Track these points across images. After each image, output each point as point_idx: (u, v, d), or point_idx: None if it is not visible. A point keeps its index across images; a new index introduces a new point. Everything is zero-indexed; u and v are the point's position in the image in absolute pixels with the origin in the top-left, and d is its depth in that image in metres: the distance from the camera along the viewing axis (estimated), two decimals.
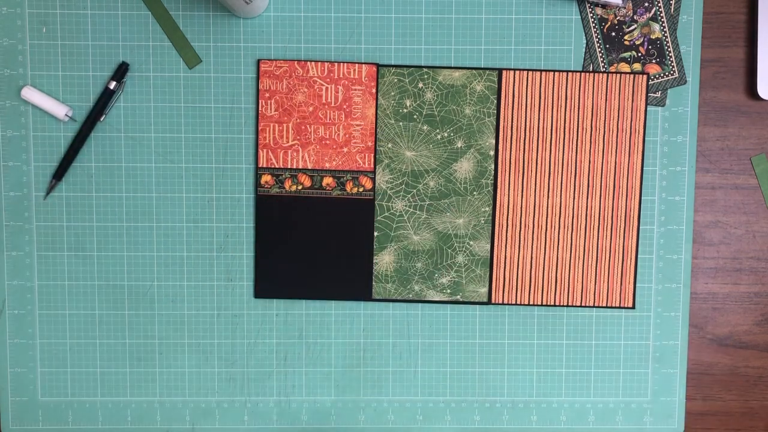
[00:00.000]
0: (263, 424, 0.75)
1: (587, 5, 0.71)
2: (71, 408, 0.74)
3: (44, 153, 0.72)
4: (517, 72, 0.72)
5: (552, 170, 0.72)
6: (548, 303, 0.73)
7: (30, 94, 0.70)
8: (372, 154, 0.72)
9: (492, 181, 0.72)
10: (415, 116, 0.72)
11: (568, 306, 0.73)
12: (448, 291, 0.73)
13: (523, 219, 0.73)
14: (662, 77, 0.72)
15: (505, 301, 0.73)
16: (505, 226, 0.73)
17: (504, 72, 0.72)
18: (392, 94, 0.72)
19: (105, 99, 0.71)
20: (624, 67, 0.72)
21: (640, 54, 0.72)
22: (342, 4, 0.71)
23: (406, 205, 0.73)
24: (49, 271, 0.73)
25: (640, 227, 0.73)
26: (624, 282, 0.73)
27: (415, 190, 0.73)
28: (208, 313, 0.74)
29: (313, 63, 0.71)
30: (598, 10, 0.72)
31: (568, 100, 0.72)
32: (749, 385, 0.76)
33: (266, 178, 0.72)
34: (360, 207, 0.73)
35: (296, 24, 0.71)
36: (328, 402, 0.74)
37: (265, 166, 0.72)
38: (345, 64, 0.71)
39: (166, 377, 0.74)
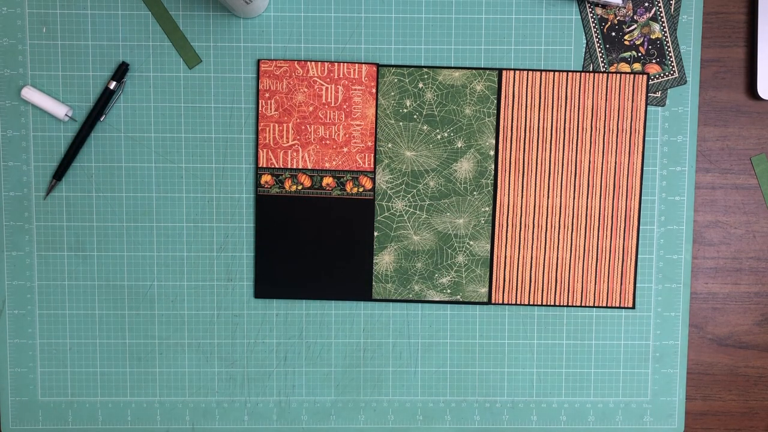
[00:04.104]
0: (263, 424, 0.75)
1: (587, 5, 0.71)
2: (71, 408, 0.74)
3: (44, 153, 0.72)
4: (517, 72, 0.72)
5: (552, 170, 0.72)
6: (548, 303, 0.73)
7: (30, 94, 0.70)
8: (372, 154, 0.72)
9: (492, 181, 0.72)
10: (415, 116, 0.72)
11: (568, 306, 0.73)
12: (448, 291, 0.73)
13: (523, 219, 0.73)
14: (662, 77, 0.72)
15: (505, 301, 0.73)
16: (505, 226, 0.73)
17: (504, 72, 0.72)
18: (392, 94, 0.72)
19: (105, 99, 0.71)
20: (624, 67, 0.72)
21: (640, 54, 0.72)
22: (342, 4, 0.71)
23: (406, 205, 0.73)
24: (49, 271, 0.73)
25: (640, 227, 0.73)
26: (624, 282, 0.73)
27: (415, 190, 0.73)
28: (208, 313, 0.74)
29: (313, 63, 0.71)
30: (598, 10, 0.72)
31: (568, 100, 0.72)
32: (749, 385, 0.76)
33: (266, 178, 0.72)
34: (360, 207, 0.73)
35: (296, 24, 0.71)
36: (328, 402, 0.74)
37: (265, 166, 0.72)
38: (345, 64, 0.71)
39: (166, 377, 0.74)
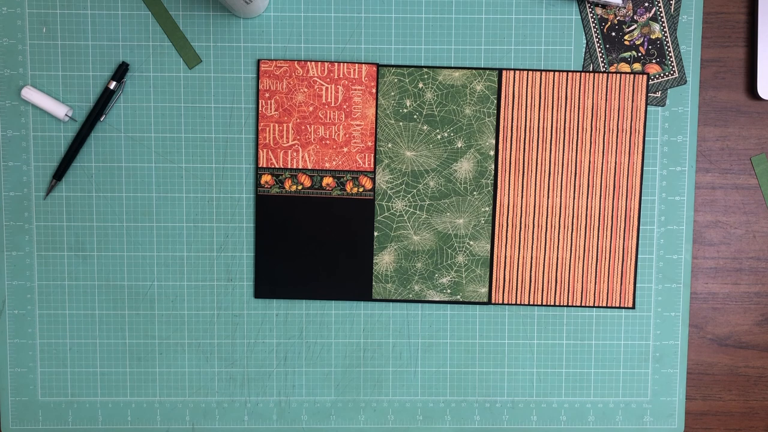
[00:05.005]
0: (263, 424, 0.75)
1: (587, 5, 0.71)
2: (71, 408, 0.74)
3: (44, 153, 0.72)
4: (517, 72, 0.72)
5: (552, 170, 0.72)
6: (548, 303, 0.73)
7: (30, 94, 0.70)
8: (372, 154, 0.72)
9: (492, 181, 0.72)
10: (415, 116, 0.72)
11: (568, 306, 0.73)
12: (448, 291, 0.73)
13: (523, 219, 0.73)
14: (662, 77, 0.72)
15: (505, 301, 0.73)
16: (505, 226, 0.73)
17: (504, 72, 0.72)
18: (392, 94, 0.72)
19: (105, 99, 0.71)
20: (624, 67, 0.72)
21: (640, 54, 0.72)
22: (342, 4, 0.71)
23: (406, 205, 0.73)
24: (49, 271, 0.73)
25: (640, 227, 0.73)
26: (624, 282, 0.73)
27: (415, 190, 0.73)
28: (208, 313, 0.74)
29: (313, 63, 0.71)
30: (598, 10, 0.72)
31: (568, 100, 0.72)
32: (749, 385, 0.76)
33: (266, 178, 0.72)
34: (360, 207, 0.73)
35: (296, 24, 0.71)
36: (328, 402, 0.74)
37: (265, 166, 0.72)
38: (345, 64, 0.71)
39: (166, 377, 0.74)
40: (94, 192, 0.73)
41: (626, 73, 0.72)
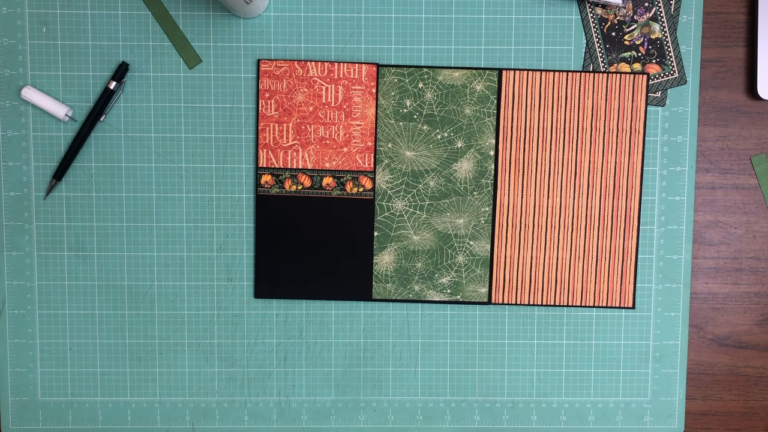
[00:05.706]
0: (263, 424, 0.75)
1: (587, 5, 0.71)
2: (71, 408, 0.74)
3: (44, 153, 0.72)
4: (517, 72, 0.72)
5: (552, 170, 0.72)
6: (548, 303, 0.73)
7: (30, 94, 0.70)
8: (372, 154, 0.72)
9: (492, 181, 0.72)
10: (415, 116, 0.72)
11: (568, 306, 0.73)
12: (448, 291, 0.73)
13: (523, 219, 0.73)
14: (662, 77, 0.72)
15: (505, 301, 0.73)
16: (505, 226, 0.73)
17: (504, 72, 0.72)
18: (392, 94, 0.72)
19: (105, 99, 0.71)
20: (624, 67, 0.72)
21: (640, 54, 0.72)
22: (342, 4, 0.71)
23: (406, 205, 0.73)
24: (49, 271, 0.73)
25: (640, 227, 0.73)
26: (624, 282, 0.73)
27: (415, 190, 0.73)
28: (208, 313, 0.74)
29: (313, 63, 0.71)
30: (598, 10, 0.72)
31: (568, 100, 0.72)
32: (749, 385, 0.76)
33: (266, 178, 0.72)
34: (360, 207, 0.73)
35: (296, 24, 0.71)
36: (328, 402, 0.74)
37: (265, 166, 0.72)
38: (345, 64, 0.71)
39: (166, 377, 0.74)
40: (94, 192, 0.73)
41: (626, 73, 0.72)
